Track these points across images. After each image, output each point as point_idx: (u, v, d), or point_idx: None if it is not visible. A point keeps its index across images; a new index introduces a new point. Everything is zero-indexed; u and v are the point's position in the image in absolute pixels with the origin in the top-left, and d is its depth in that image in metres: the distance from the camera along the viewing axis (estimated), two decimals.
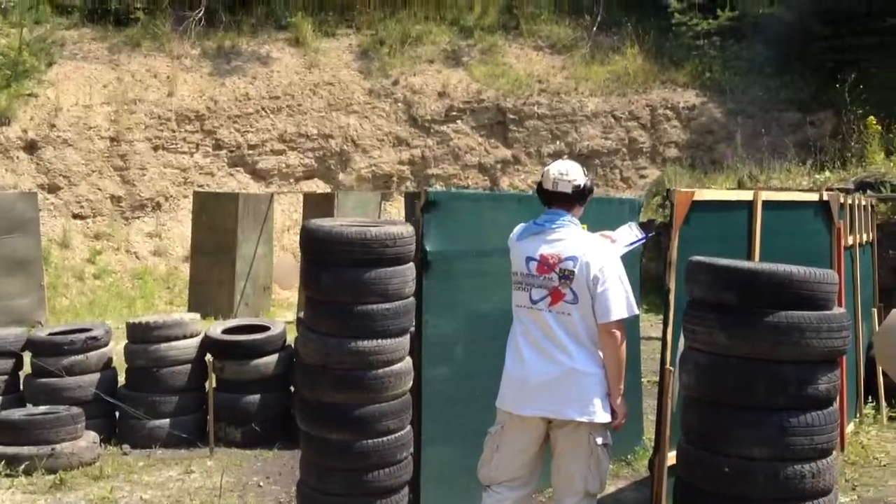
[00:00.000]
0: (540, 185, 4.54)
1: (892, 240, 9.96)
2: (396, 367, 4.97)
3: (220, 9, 19.38)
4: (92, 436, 6.99)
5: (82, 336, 7.60)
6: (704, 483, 4.00)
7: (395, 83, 19.03)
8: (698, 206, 5.35)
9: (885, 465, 6.71)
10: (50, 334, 7.77)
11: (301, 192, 16.29)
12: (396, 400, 5.01)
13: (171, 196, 17.28)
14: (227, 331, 7.87)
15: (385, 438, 4.95)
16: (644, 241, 4.95)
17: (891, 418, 7.85)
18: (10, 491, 6.27)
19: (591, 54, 19.95)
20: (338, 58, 19.40)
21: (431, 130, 18.68)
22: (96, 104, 17.26)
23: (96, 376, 7.53)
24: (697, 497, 4.04)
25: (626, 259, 4.74)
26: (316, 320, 4.99)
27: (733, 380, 3.94)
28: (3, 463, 6.54)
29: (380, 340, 4.87)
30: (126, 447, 7.30)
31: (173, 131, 17.59)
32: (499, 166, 18.67)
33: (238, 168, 18.00)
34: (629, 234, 4.83)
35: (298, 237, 5.13)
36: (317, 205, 13.76)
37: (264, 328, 7.88)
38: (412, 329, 5.14)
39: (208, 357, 7.58)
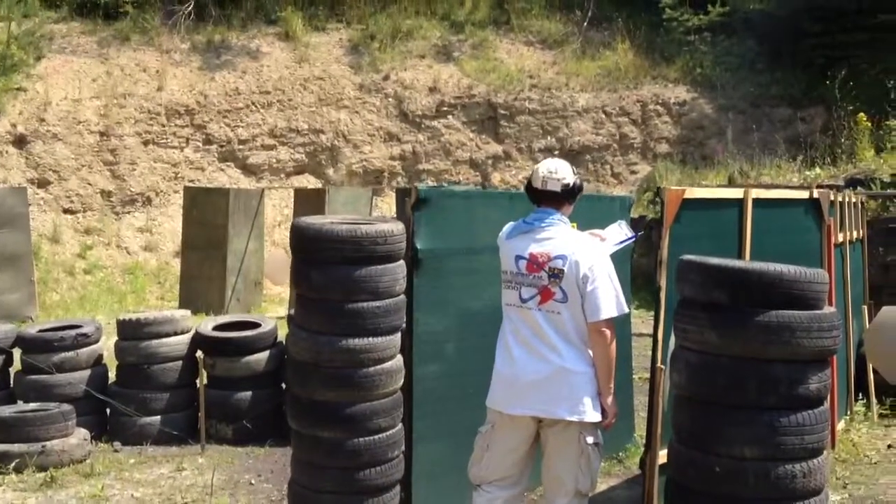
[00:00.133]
0: (529, 183, 4.54)
1: (882, 237, 9.98)
2: (387, 365, 4.97)
3: (209, 3, 19.30)
4: (83, 433, 6.97)
5: (72, 333, 7.58)
6: (695, 483, 4.00)
7: (386, 78, 19.00)
8: (689, 205, 5.36)
9: (875, 463, 6.72)
10: (40, 331, 7.75)
11: (292, 188, 16.27)
12: (387, 398, 5.00)
13: (162, 191, 17.23)
14: (218, 327, 7.86)
15: (376, 437, 4.95)
16: (634, 239, 4.96)
17: (881, 415, 7.87)
18: (0, 489, 6.25)
19: (582, 50, 19.97)
20: (328, 52, 19.36)
21: (422, 126, 18.67)
22: (85, 98, 17.19)
23: (87, 373, 7.51)
24: (688, 497, 4.05)
25: (616, 256, 4.75)
26: (306, 318, 4.99)
27: (724, 379, 3.94)
28: None
29: (371, 338, 4.87)
30: (117, 444, 7.28)
31: (163, 126, 17.54)
32: (490, 162, 18.67)
33: (228, 163, 17.95)
34: (619, 233, 4.83)
35: (289, 234, 5.12)
36: (308, 200, 13.74)
37: (255, 325, 7.87)
38: (403, 327, 5.13)
39: (199, 354, 7.56)
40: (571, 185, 4.46)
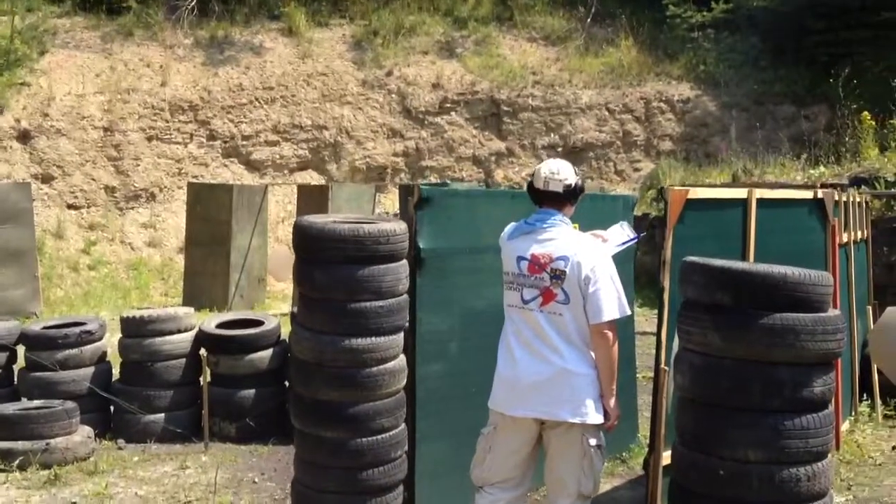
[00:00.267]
0: (531, 184, 4.52)
1: (887, 236, 9.97)
2: (390, 364, 4.95)
3: None
4: (86, 430, 6.98)
5: (76, 330, 7.58)
6: (699, 485, 3.99)
7: (389, 74, 18.99)
8: (692, 205, 5.35)
9: (880, 465, 6.69)
10: (44, 328, 7.75)
11: (295, 184, 16.27)
12: (390, 398, 4.99)
13: (166, 187, 17.24)
14: (221, 325, 7.86)
15: (379, 437, 4.94)
16: (636, 240, 4.94)
17: (886, 416, 7.83)
18: (4, 486, 6.26)
19: (586, 46, 19.95)
20: (331, 48, 19.36)
21: (425, 122, 18.66)
22: (89, 93, 17.20)
23: (90, 370, 7.51)
24: (692, 499, 4.03)
25: (619, 256, 4.74)
26: (309, 318, 4.98)
27: (728, 381, 3.93)
28: None
29: (374, 338, 4.85)
30: (121, 442, 7.29)
31: (167, 121, 17.54)
32: (493, 158, 18.66)
33: (232, 159, 17.96)
34: (621, 234, 4.82)
35: (291, 233, 5.12)
36: (311, 196, 13.77)
37: (259, 323, 7.87)
38: (406, 326, 5.13)
39: (202, 351, 7.57)
40: (573, 185, 4.44)
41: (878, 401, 7.89)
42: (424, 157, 18.54)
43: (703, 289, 4.09)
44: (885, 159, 13.40)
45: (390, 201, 17.22)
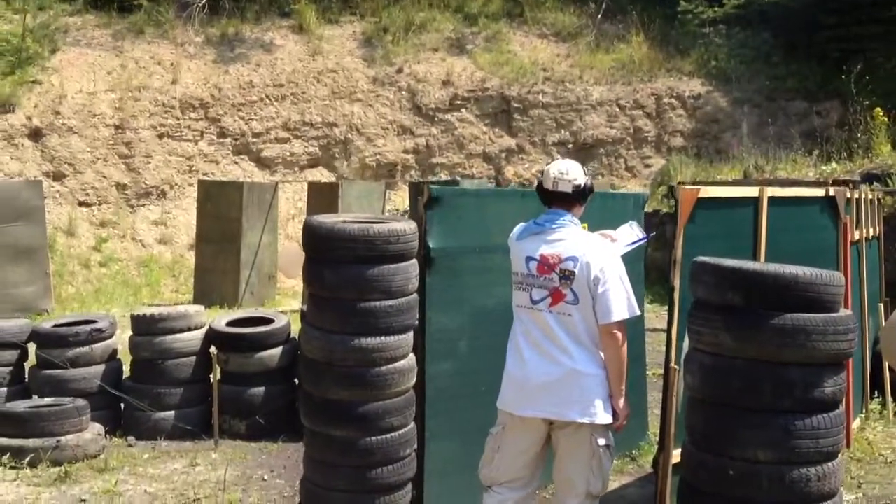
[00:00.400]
0: (540, 184, 4.51)
1: None
2: (400, 363, 4.96)
3: None
4: (97, 428, 7.00)
5: (87, 328, 7.59)
6: (708, 485, 3.98)
7: (399, 71, 18.99)
8: (703, 204, 5.31)
9: (890, 463, 6.66)
10: (55, 326, 7.78)
11: (305, 181, 16.29)
12: (400, 397, 5.00)
13: (177, 184, 17.29)
14: (231, 323, 7.88)
15: (389, 435, 4.95)
16: (645, 240, 4.93)
17: None
18: (14, 483, 6.28)
19: (596, 42, 19.91)
20: (341, 45, 19.37)
21: (436, 119, 18.65)
22: (100, 91, 17.25)
23: (101, 368, 7.53)
24: (701, 499, 4.02)
25: (629, 255, 4.73)
26: (319, 317, 4.98)
27: (738, 382, 3.91)
28: (7, 455, 6.56)
29: (383, 337, 4.86)
30: (131, 439, 7.31)
31: (178, 119, 17.59)
32: (503, 155, 18.64)
33: (242, 156, 18.00)
34: (630, 234, 4.80)
35: (301, 232, 5.12)
36: (321, 194, 13.78)
37: (269, 320, 7.88)
38: (416, 326, 5.12)
39: (213, 349, 7.59)
40: (582, 186, 4.43)
41: (890, 398, 7.86)
42: (435, 154, 18.54)
43: (713, 289, 4.07)
44: None
45: (400, 198, 17.23)
